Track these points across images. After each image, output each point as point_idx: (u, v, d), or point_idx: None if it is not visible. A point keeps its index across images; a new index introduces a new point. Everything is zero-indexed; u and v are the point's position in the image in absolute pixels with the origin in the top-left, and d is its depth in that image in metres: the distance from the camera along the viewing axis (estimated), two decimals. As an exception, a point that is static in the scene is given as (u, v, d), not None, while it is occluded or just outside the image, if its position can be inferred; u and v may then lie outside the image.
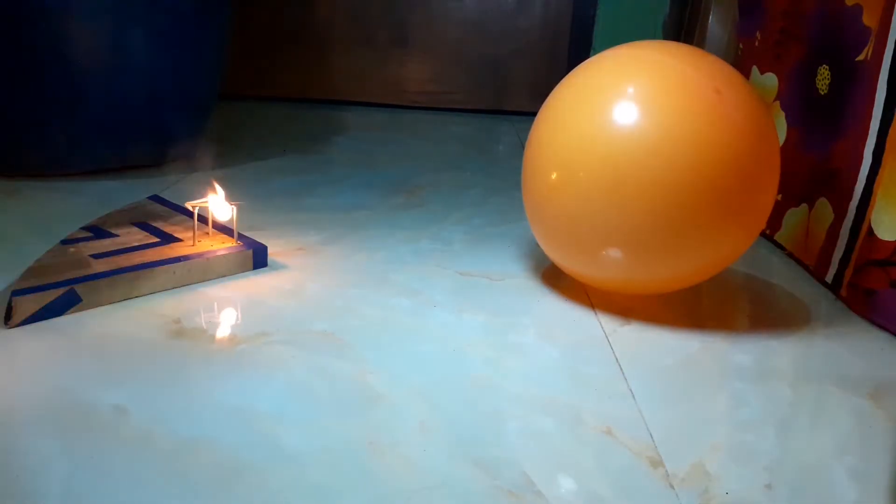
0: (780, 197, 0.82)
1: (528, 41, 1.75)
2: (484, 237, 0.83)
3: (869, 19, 0.67)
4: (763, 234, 0.88)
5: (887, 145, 0.63)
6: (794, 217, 0.79)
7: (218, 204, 0.70)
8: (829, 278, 0.71)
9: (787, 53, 0.83)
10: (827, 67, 0.74)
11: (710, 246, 0.58)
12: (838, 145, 0.71)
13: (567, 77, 0.63)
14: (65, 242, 0.67)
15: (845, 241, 0.68)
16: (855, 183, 0.67)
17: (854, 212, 0.67)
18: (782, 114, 0.83)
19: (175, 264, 0.64)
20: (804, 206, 0.77)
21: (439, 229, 0.85)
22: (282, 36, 1.72)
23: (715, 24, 1.09)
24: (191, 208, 0.69)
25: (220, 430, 0.44)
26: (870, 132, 0.65)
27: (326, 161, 1.19)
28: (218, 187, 0.71)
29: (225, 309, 0.61)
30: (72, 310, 0.58)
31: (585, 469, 0.42)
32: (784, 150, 0.82)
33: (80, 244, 0.67)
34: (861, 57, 0.68)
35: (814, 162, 0.76)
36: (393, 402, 0.48)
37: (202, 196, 0.71)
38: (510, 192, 1.05)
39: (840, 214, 0.69)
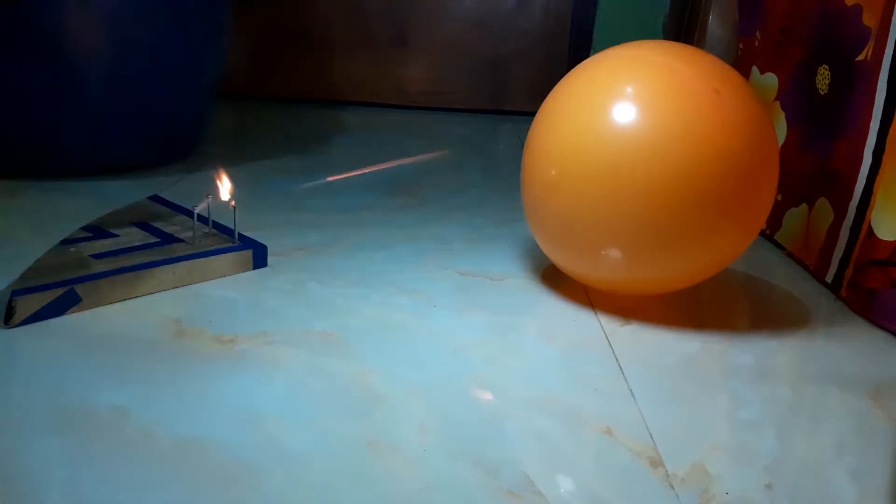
0: (779, 197, 0.82)
1: (528, 41, 1.75)
2: (484, 237, 0.83)
3: (869, 19, 0.67)
4: (763, 234, 0.88)
5: (887, 145, 0.63)
6: (793, 217, 0.79)
7: (223, 190, 0.70)
8: (829, 278, 0.71)
9: (788, 53, 0.83)
10: (827, 68, 0.74)
11: (709, 246, 0.58)
12: (839, 145, 0.71)
13: (566, 77, 0.63)
14: (65, 242, 0.67)
15: (845, 240, 0.68)
16: (855, 183, 0.67)
17: (854, 212, 0.67)
18: (782, 114, 0.83)
19: (175, 264, 0.64)
20: (804, 206, 0.77)
21: (439, 229, 0.85)
22: (282, 36, 1.72)
23: (715, 24, 1.09)
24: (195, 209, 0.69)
25: (220, 430, 0.44)
26: (870, 132, 0.65)
27: (326, 161, 1.19)
28: (224, 182, 0.71)
29: (225, 309, 0.61)
30: (72, 310, 0.58)
31: (585, 469, 0.42)
32: (784, 149, 0.82)
33: (80, 244, 0.67)
34: (861, 57, 0.68)
35: (814, 162, 0.76)
36: (393, 402, 0.48)
37: (202, 196, 0.71)
38: (510, 192, 1.05)
39: (840, 214, 0.69)
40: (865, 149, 0.65)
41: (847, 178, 0.68)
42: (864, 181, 0.65)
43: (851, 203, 0.67)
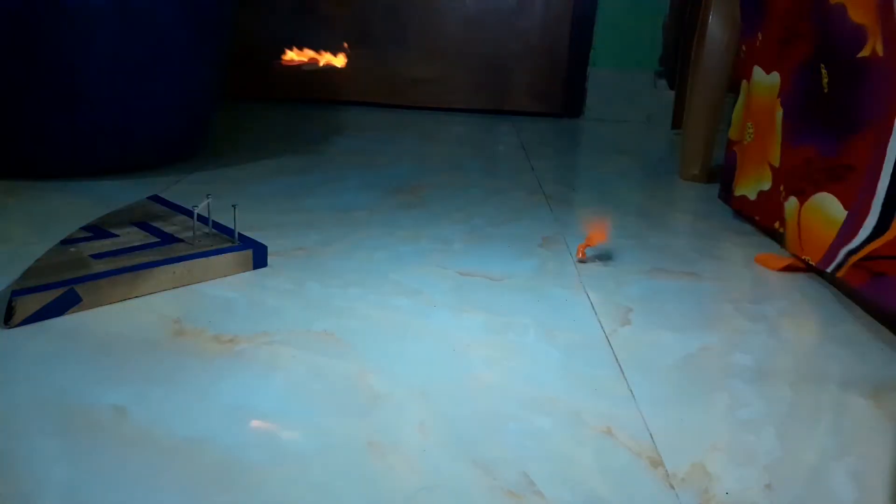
0: (783, 191, 0.82)
1: (528, 41, 1.75)
2: (484, 237, 0.83)
3: (858, 16, 0.67)
4: (766, 232, 0.88)
5: None
6: (790, 209, 0.79)
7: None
8: (830, 268, 0.70)
9: (790, 53, 0.83)
10: (825, 66, 0.74)
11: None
12: (850, 142, 0.70)
13: None
14: (65, 242, 0.67)
15: (866, 235, 0.66)
16: (878, 179, 0.65)
17: (880, 208, 0.65)
18: (781, 110, 0.83)
19: (175, 264, 0.64)
20: (795, 199, 0.77)
21: (439, 229, 0.85)
22: (282, 36, 1.72)
23: (715, 24, 1.09)
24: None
25: (219, 429, 0.44)
26: (894, 129, 0.64)
27: (326, 161, 1.19)
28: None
29: (225, 309, 0.61)
30: (72, 310, 0.58)
31: (585, 469, 0.42)
32: (783, 146, 0.82)
33: (80, 244, 0.67)
34: (864, 53, 0.67)
35: (813, 156, 0.76)
36: (393, 402, 0.48)
37: (201, 196, 0.71)
38: (510, 192, 1.05)
39: (857, 210, 0.68)
40: (889, 146, 0.64)
41: (867, 174, 0.67)
42: (888, 178, 0.64)
43: (875, 200, 0.65)
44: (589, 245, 0.77)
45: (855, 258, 0.66)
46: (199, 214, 0.69)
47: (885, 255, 0.64)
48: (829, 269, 0.70)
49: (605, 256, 0.78)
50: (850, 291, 0.71)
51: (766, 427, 0.48)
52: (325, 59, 0.75)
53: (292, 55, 0.74)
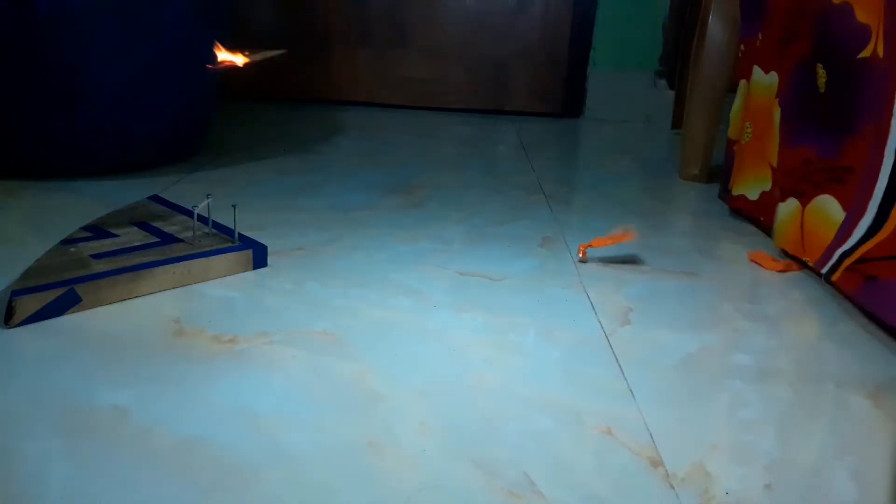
0: (778, 192, 0.82)
1: (529, 42, 1.75)
2: (484, 237, 0.83)
3: (864, 16, 0.67)
4: (766, 231, 0.88)
5: None
6: (785, 211, 0.79)
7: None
8: (825, 270, 0.70)
9: (789, 52, 0.83)
10: (822, 66, 0.74)
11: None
12: (849, 143, 0.70)
13: None
14: (65, 242, 0.67)
15: (860, 236, 0.66)
16: (876, 181, 0.65)
17: (876, 209, 0.65)
18: (779, 110, 0.83)
19: (175, 264, 0.64)
20: (795, 201, 0.77)
21: (439, 229, 0.85)
22: (282, 36, 1.72)
23: (715, 24, 1.09)
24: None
25: (220, 429, 0.44)
26: (891, 131, 0.63)
27: (326, 161, 1.19)
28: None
29: (225, 309, 0.61)
30: (72, 310, 0.58)
31: (585, 469, 0.42)
32: (780, 146, 0.82)
33: (80, 244, 0.67)
34: (864, 54, 0.67)
35: (812, 157, 0.76)
36: (393, 402, 0.48)
37: (201, 196, 0.71)
38: (510, 192, 1.05)
39: (854, 211, 0.68)
40: (887, 147, 0.64)
41: (864, 176, 0.66)
42: (886, 179, 0.64)
43: (872, 202, 0.65)
44: (592, 246, 0.77)
45: (849, 261, 0.66)
46: (199, 214, 0.69)
47: (877, 257, 0.64)
48: (823, 271, 0.70)
49: (630, 260, 0.77)
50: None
51: (766, 427, 0.48)
52: (261, 53, 0.74)
53: (224, 56, 0.73)
